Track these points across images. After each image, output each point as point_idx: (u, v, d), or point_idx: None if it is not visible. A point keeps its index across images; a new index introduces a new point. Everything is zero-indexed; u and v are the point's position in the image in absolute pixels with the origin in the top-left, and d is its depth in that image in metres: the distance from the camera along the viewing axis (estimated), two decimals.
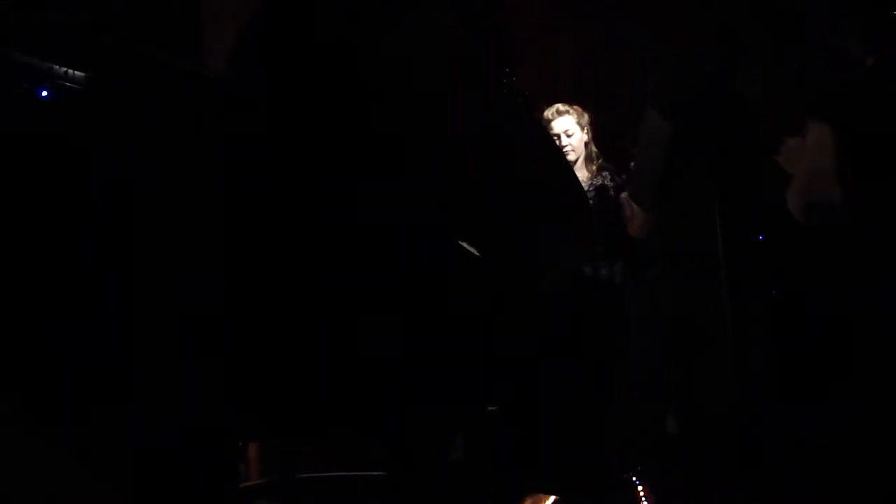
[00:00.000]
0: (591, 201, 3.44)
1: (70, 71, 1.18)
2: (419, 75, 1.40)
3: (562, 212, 1.61)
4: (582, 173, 3.55)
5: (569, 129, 3.53)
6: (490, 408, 1.94)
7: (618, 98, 3.83)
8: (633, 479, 3.44)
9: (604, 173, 3.56)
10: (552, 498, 2.34)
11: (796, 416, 3.03)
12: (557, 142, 3.50)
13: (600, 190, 3.51)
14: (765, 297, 3.55)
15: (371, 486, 2.14)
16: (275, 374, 1.47)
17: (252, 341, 1.42)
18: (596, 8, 4.24)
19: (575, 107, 3.59)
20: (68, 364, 1.26)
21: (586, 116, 3.57)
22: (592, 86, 3.97)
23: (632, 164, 3.47)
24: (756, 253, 3.51)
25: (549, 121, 3.55)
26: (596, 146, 3.58)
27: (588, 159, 3.58)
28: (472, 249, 1.55)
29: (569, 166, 3.21)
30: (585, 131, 3.56)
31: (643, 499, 3.43)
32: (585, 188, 3.49)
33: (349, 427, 1.69)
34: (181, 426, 1.37)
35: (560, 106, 3.56)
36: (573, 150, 3.54)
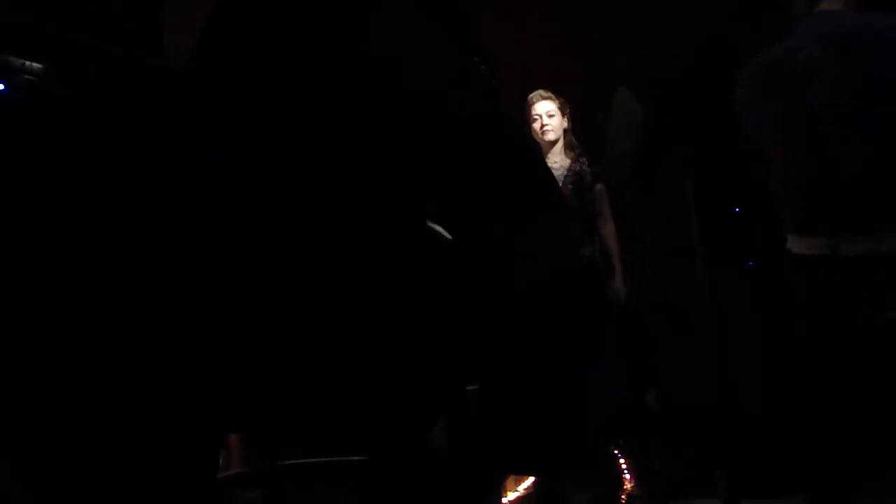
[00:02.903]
0: (570, 187, 3.62)
1: (27, 63, 1.16)
2: (389, 69, 1.38)
3: (538, 205, 1.61)
4: (561, 160, 3.71)
5: (550, 110, 3.70)
6: (469, 387, 1.94)
7: (596, 88, 3.88)
8: (616, 452, 3.49)
9: (581, 159, 3.69)
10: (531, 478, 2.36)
11: (776, 394, 3.06)
12: (539, 122, 3.69)
13: (579, 176, 3.66)
14: (742, 268, 3.58)
15: (353, 471, 2.14)
16: (259, 364, 1.46)
17: (234, 333, 1.42)
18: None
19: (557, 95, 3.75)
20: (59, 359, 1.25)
21: (567, 105, 3.72)
22: (570, 76, 4.02)
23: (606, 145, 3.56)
24: (732, 225, 3.53)
25: (532, 103, 3.71)
26: (575, 135, 3.74)
27: (568, 147, 3.72)
28: (444, 233, 1.54)
29: (543, 160, 3.31)
30: (566, 118, 3.72)
31: (625, 472, 3.48)
32: (564, 174, 3.66)
33: (334, 415, 1.69)
34: (167, 418, 1.36)
35: (542, 91, 3.72)
36: (552, 131, 3.69)
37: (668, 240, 3.71)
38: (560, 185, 3.62)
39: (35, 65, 1.16)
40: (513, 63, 4.08)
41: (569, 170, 3.66)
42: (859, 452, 2.20)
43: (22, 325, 1.21)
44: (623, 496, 3.40)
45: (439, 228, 1.53)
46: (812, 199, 2.28)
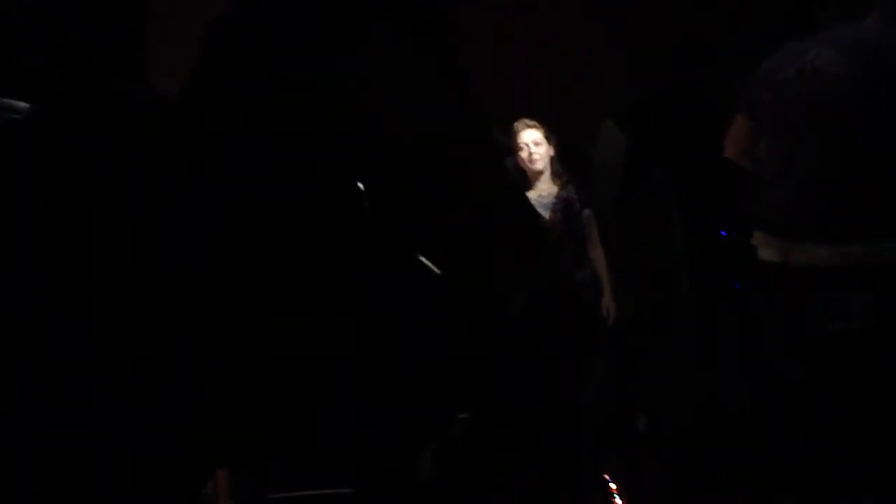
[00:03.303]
0: (559, 214, 3.65)
1: (13, 102, 1.16)
2: (376, 95, 1.39)
3: (514, 234, 1.62)
4: (549, 187, 3.73)
5: (536, 139, 3.71)
6: (459, 416, 1.94)
7: (573, 109, 3.92)
8: (607, 478, 3.48)
9: (569, 186, 3.72)
10: None
11: (765, 414, 3.06)
12: (526, 150, 3.71)
13: (567, 203, 3.68)
14: (729, 292, 3.60)
15: (342, 503, 2.12)
16: (249, 397, 1.46)
17: (223, 367, 1.41)
18: (548, 19, 4.28)
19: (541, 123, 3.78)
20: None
21: (552, 134, 3.74)
22: (547, 103, 4.05)
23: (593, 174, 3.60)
24: (718, 250, 3.55)
25: (517, 132, 3.72)
26: (560, 163, 3.76)
27: (555, 175, 3.74)
28: (432, 266, 1.54)
29: (522, 192, 3.35)
30: (551, 146, 3.73)
31: (616, 496, 3.46)
32: (553, 202, 3.69)
33: (321, 448, 1.68)
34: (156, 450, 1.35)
35: (527, 120, 3.73)
36: (540, 160, 3.71)
37: (654, 263, 3.73)
38: (549, 212, 3.64)
39: (21, 104, 1.16)
40: (490, 90, 4.10)
41: (557, 197, 3.69)
42: (846, 473, 2.20)
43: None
44: None
45: (426, 261, 1.54)
46: (774, 202, 2.29)
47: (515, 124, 3.73)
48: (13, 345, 1.24)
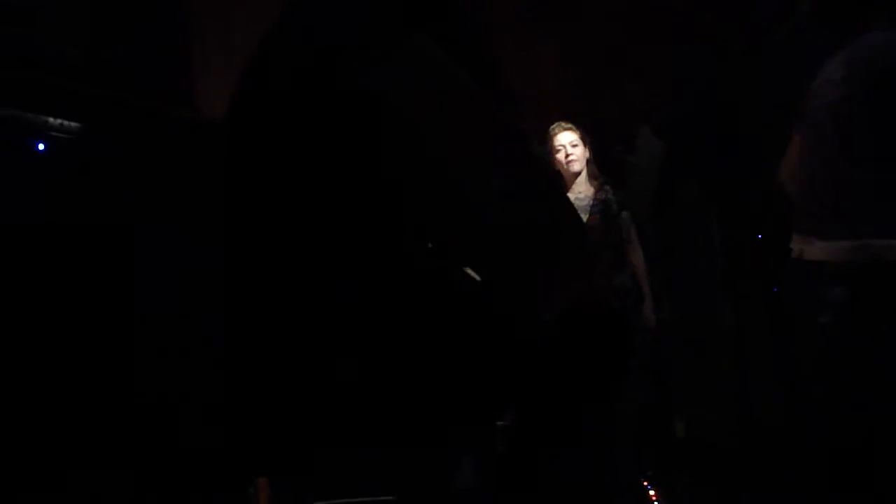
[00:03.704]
0: (597, 216, 3.66)
1: (65, 122, 1.19)
2: (418, 114, 1.41)
3: (561, 241, 1.62)
4: (586, 189, 3.74)
5: (573, 140, 3.73)
6: (498, 423, 1.94)
7: (603, 111, 3.93)
8: (646, 484, 3.45)
9: (606, 187, 3.72)
10: None
11: (803, 420, 3.03)
12: (563, 152, 3.73)
13: (605, 205, 3.69)
14: (766, 296, 3.56)
15: None
16: (288, 405, 1.47)
17: (262, 377, 1.43)
18: (578, 24, 4.29)
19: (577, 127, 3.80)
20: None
21: (588, 136, 3.76)
22: (579, 100, 4.07)
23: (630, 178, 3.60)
24: (755, 253, 3.52)
25: (554, 134, 3.75)
26: (596, 165, 3.78)
27: (592, 176, 3.75)
28: (474, 275, 1.55)
29: (568, 202, 3.35)
30: (588, 149, 3.75)
31: (655, 503, 3.44)
32: (591, 203, 3.69)
33: (360, 451, 1.69)
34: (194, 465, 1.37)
35: (563, 122, 3.76)
36: (577, 161, 3.73)
37: (692, 268, 3.71)
38: (588, 214, 3.64)
39: (72, 124, 1.20)
40: (522, 97, 4.12)
41: (594, 199, 3.69)
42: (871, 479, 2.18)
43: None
44: None
45: (469, 270, 1.55)
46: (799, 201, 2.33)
47: (552, 128, 3.75)
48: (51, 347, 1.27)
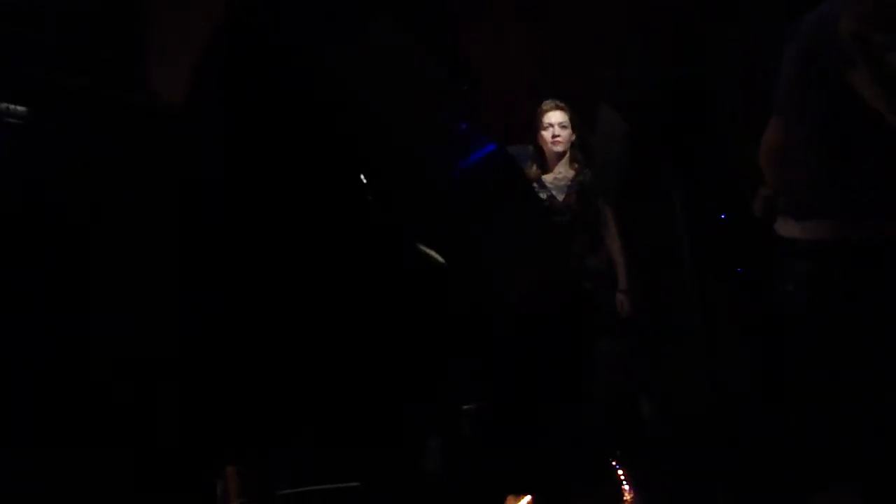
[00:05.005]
0: (574, 196, 3.66)
1: (11, 107, 1.16)
2: (380, 95, 1.39)
3: (526, 221, 1.62)
4: (566, 171, 3.74)
5: (563, 122, 3.71)
6: (465, 406, 1.94)
7: (574, 96, 3.92)
8: (615, 464, 3.48)
9: (585, 171, 3.72)
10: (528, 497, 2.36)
11: (770, 404, 3.07)
12: (551, 131, 3.70)
13: (581, 186, 3.69)
14: (731, 276, 3.60)
15: (349, 497, 2.13)
16: (255, 394, 1.46)
17: (229, 365, 1.42)
18: (550, 7, 4.28)
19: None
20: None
21: (576, 118, 3.75)
22: (549, 84, 4.05)
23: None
24: (720, 234, 3.55)
25: (544, 111, 3.72)
26: (580, 149, 3.76)
27: (573, 159, 3.75)
28: (436, 256, 1.55)
29: (530, 185, 3.36)
30: (574, 132, 3.73)
31: (624, 483, 3.47)
32: (568, 185, 3.68)
33: (327, 440, 1.69)
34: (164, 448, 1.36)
35: (556, 101, 3.74)
36: (563, 142, 3.71)
37: (656, 248, 3.73)
38: (564, 195, 3.64)
39: (18, 108, 1.16)
40: (491, 75, 4.09)
41: (572, 181, 3.70)
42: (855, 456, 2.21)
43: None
44: None
45: (430, 251, 1.54)
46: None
47: (544, 103, 3.74)
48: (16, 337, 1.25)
